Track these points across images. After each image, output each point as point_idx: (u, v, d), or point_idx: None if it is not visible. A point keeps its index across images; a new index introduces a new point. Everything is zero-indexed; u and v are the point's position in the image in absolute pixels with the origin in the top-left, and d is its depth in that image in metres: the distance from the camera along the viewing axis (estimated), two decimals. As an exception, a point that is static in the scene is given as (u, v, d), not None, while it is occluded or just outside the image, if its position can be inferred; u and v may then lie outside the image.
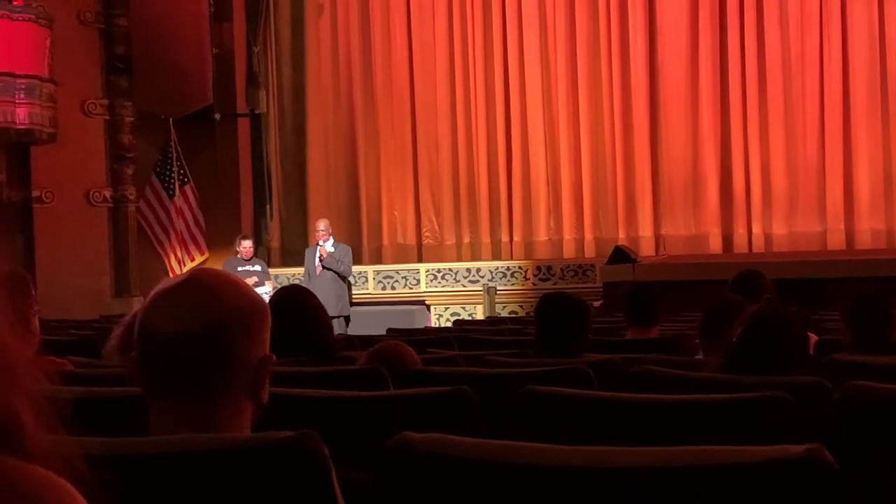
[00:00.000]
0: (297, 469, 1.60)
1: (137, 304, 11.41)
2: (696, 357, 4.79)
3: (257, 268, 12.66)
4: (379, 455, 1.56)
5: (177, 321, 1.77)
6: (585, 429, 2.60)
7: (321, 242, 12.25)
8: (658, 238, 14.99)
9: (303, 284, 11.35)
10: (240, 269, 12.23)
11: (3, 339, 0.89)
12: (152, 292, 1.85)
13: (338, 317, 12.05)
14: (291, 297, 4.09)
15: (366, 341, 5.88)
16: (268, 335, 1.85)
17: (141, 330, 1.81)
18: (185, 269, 12.95)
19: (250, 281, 10.31)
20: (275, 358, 1.87)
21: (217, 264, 12.49)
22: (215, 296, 1.79)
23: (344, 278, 12.39)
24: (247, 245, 12.78)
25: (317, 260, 12.19)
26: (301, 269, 12.81)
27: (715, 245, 14.75)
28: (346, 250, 12.55)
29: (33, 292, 3.66)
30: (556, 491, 1.49)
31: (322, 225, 12.44)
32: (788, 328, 3.52)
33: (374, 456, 1.58)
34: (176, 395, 1.78)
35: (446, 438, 1.57)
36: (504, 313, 13.19)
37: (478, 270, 14.18)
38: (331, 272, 12.17)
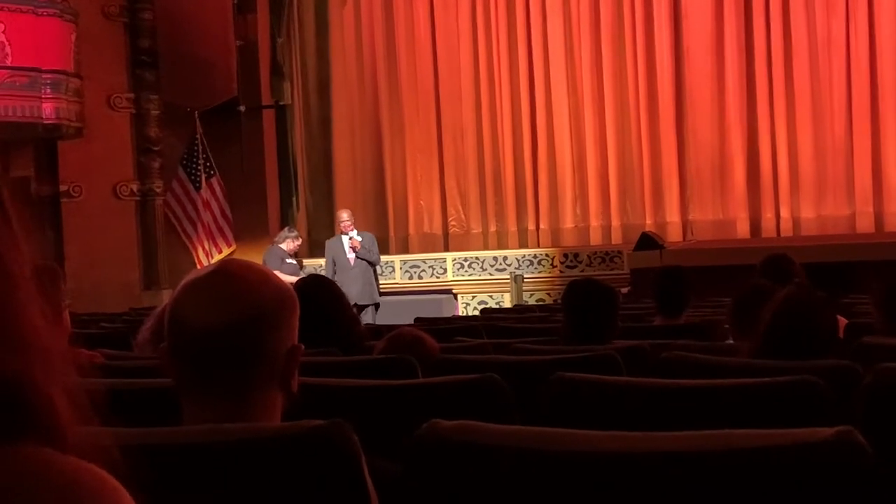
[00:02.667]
0: (327, 458, 1.61)
1: (167, 296, 11.47)
2: (726, 342, 4.78)
3: (294, 262, 12.67)
4: (409, 443, 1.56)
5: (208, 313, 1.77)
6: (616, 415, 2.60)
7: (350, 233, 12.21)
8: (685, 224, 14.94)
9: (327, 276, 11.40)
10: (288, 260, 12.24)
11: (38, 330, 0.90)
12: (181, 284, 1.85)
13: (371, 305, 12.09)
14: (314, 287, 4.09)
15: (392, 331, 5.89)
16: (296, 324, 1.86)
17: (172, 322, 1.82)
18: (212, 262, 12.99)
19: (286, 276, 10.28)
20: (304, 347, 1.88)
21: (245, 256, 12.51)
22: (246, 287, 1.80)
23: (373, 266, 12.40)
24: (299, 243, 12.73)
25: (348, 251, 12.15)
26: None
27: (743, 230, 14.69)
28: (373, 238, 12.55)
29: (63, 286, 3.68)
30: (589, 477, 1.49)
31: (346, 215, 12.41)
32: (818, 312, 3.50)
33: (404, 444, 1.59)
34: (208, 387, 1.79)
35: (477, 426, 1.57)
36: (531, 301, 13.18)
37: (504, 258, 14.17)
38: (362, 262, 12.17)
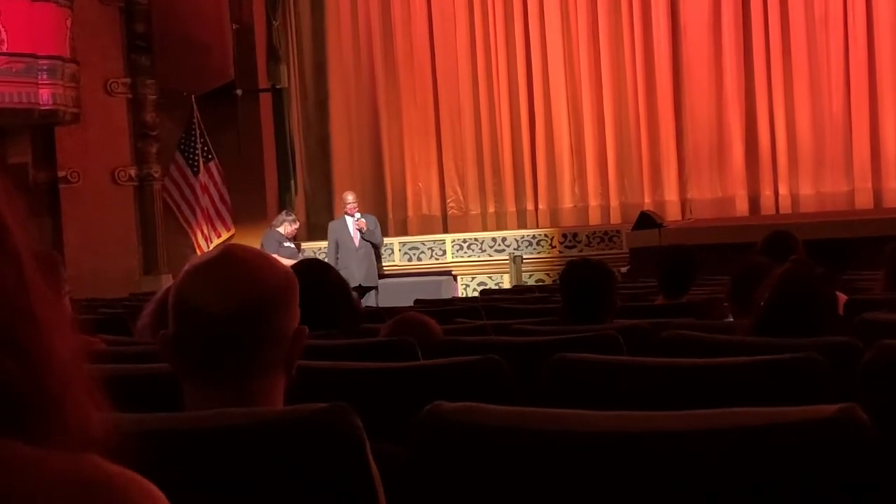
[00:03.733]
0: (331, 441, 1.61)
1: (166, 281, 11.47)
2: (726, 320, 4.78)
3: (292, 245, 12.67)
4: (412, 425, 1.57)
5: (216, 297, 1.77)
6: (617, 395, 2.60)
7: (356, 215, 12.20)
8: (684, 202, 14.93)
9: (329, 259, 11.40)
10: (286, 244, 12.24)
11: (63, 334, 0.91)
12: (186, 269, 1.85)
13: (375, 287, 12.09)
14: (311, 270, 4.08)
15: (393, 313, 5.90)
16: (298, 308, 1.86)
17: (177, 307, 1.81)
18: (211, 246, 13.00)
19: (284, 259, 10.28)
20: (307, 330, 1.88)
21: (244, 240, 12.50)
22: (253, 271, 1.80)
23: (377, 248, 12.41)
24: (296, 226, 12.73)
25: (353, 232, 12.14)
26: (326, 243, 12.74)
27: (742, 207, 14.69)
28: (375, 221, 12.55)
29: (63, 272, 3.69)
30: (592, 456, 1.49)
31: (351, 197, 12.40)
32: (816, 288, 3.50)
33: (406, 427, 1.59)
34: (214, 371, 1.79)
35: (479, 407, 1.57)
36: (531, 282, 13.19)
37: (503, 239, 14.17)
38: (367, 243, 12.17)
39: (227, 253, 1.84)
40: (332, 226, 12.64)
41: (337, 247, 12.17)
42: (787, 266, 3.63)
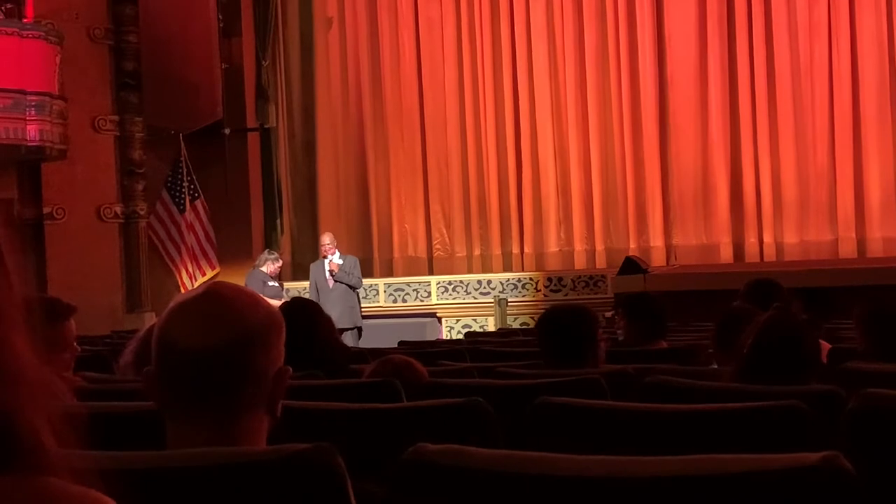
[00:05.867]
0: (313, 481, 1.60)
1: (150, 319, 11.44)
2: (710, 367, 4.78)
3: (276, 284, 12.70)
4: (394, 466, 1.56)
5: (200, 336, 1.76)
6: (600, 439, 2.60)
7: (329, 256, 12.24)
8: (669, 248, 14.98)
9: (311, 298, 11.39)
10: (270, 283, 12.27)
11: (23, 358, 0.91)
12: (170, 306, 1.84)
13: (352, 328, 12.07)
14: (299, 310, 4.08)
15: (377, 354, 5.88)
16: (283, 347, 1.86)
17: (161, 344, 1.80)
18: (196, 284, 12.98)
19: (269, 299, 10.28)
20: (291, 370, 1.87)
21: (229, 279, 12.48)
22: (237, 309, 1.80)
23: (354, 289, 12.39)
24: (279, 265, 12.76)
25: (327, 273, 12.18)
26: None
27: (726, 254, 14.73)
28: (355, 261, 12.55)
29: (72, 327, 3.81)
30: (575, 501, 1.48)
31: (327, 239, 12.44)
32: (800, 336, 3.50)
33: (389, 467, 1.58)
34: (196, 410, 1.78)
35: (462, 449, 1.57)
36: (515, 325, 13.18)
37: (489, 282, 14.18)
38: (342, 285, 12.18)
39: (212, 291, 1.83)
40: (312, 267, 12.68)
41: (317, 288, 12.21)
42: (770, 312, 3.64)
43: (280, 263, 12.80)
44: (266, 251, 13.02)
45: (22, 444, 0.89)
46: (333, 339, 4.06)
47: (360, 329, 12.28)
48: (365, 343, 11.25)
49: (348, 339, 11.80)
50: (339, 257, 12.30)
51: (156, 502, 1.37)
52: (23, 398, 0.90)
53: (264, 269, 12.42)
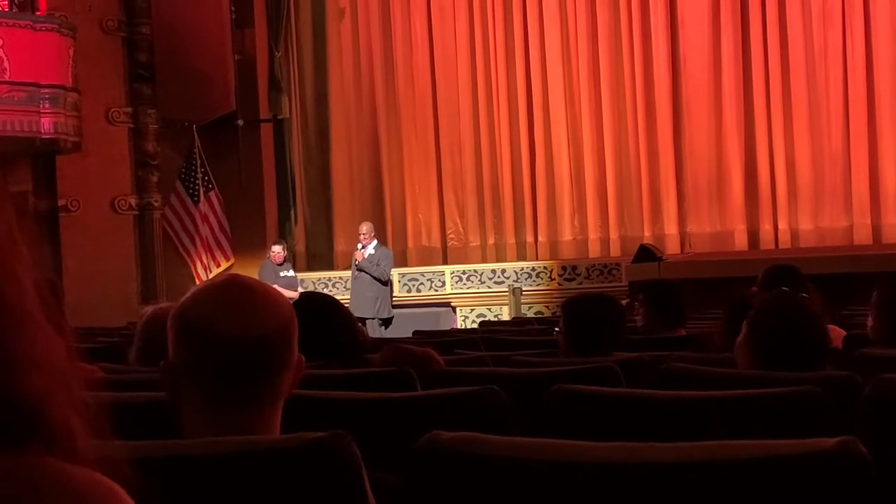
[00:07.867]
0: (328, 470, 1.61)
1: (165, 310, 11.45)
2: (724, 354, 4.76)
3: (291, 273, 12.81)
4: (410, 454, 1.56)
5: (238, 325, 1.77)
6: (616, 427, 2.60)
7: (362, 245, 12.40)
8: (683, 235, 14.94)
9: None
10: (282, 273, 12.41)
11: (53, 344, 0.92)
12: (192, 296, 1.84)
13: (374, 318, 12.16)
14: (316, 301, 4.09)
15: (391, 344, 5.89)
16: (297, 337, 1.88)
17: (188, 333, 1.80)
18: (210, 276, 13.01)
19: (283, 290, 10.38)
20: (304, 358, 1.89)
21: (244, 270, 12.52)
22: (268, 299, 1.83)
23: (382, 281, 12.49)
24: (277, 249, 12.86)
25: (354, 262, 12.42)
26: (326, 273, 12.94)
27: (741, 242, 14.69)
28: (387, 254, 12.69)
29: (63, 299, 3.73)
30: (590, 488, 1.48)
31: (364, 228, 12.62)
32: (796, 317, 3.40)
33: (404, 456, 1.59)
34: (221, 398, 1.79)
35: (477, 437, 1.57)
36: (530, 314, 13.17)
37: (503, 271, 14.17)
38: (367, 275, 12.30)
39: (237, 281, 1.85)
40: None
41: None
42: (765, 298, 3.58)
43: (279, 248, 12.88)
44: (273, 243, 13.19)
45: (47, 427, 0.89)
46: (352, 328, 4.06)
47: (386, 320, 12.40)
48: (386, 333, 11.35)
49: (368, 329, 11.85)
50: (374, 247, 12.46)
51: (174, 490, 1.37)
52: (54, 386, 0.90)
53: (271, 257, 12.66)
